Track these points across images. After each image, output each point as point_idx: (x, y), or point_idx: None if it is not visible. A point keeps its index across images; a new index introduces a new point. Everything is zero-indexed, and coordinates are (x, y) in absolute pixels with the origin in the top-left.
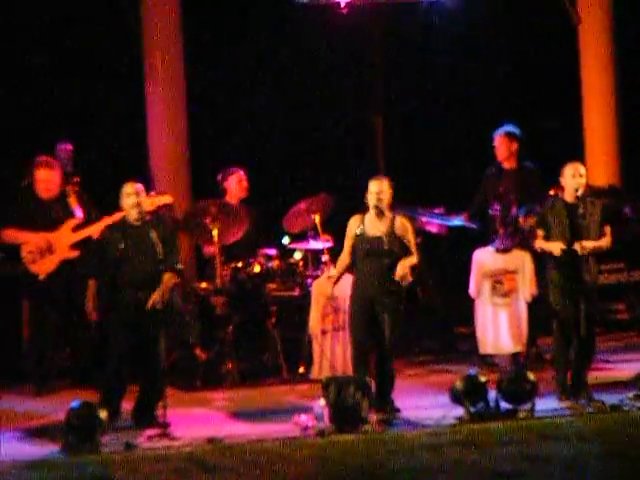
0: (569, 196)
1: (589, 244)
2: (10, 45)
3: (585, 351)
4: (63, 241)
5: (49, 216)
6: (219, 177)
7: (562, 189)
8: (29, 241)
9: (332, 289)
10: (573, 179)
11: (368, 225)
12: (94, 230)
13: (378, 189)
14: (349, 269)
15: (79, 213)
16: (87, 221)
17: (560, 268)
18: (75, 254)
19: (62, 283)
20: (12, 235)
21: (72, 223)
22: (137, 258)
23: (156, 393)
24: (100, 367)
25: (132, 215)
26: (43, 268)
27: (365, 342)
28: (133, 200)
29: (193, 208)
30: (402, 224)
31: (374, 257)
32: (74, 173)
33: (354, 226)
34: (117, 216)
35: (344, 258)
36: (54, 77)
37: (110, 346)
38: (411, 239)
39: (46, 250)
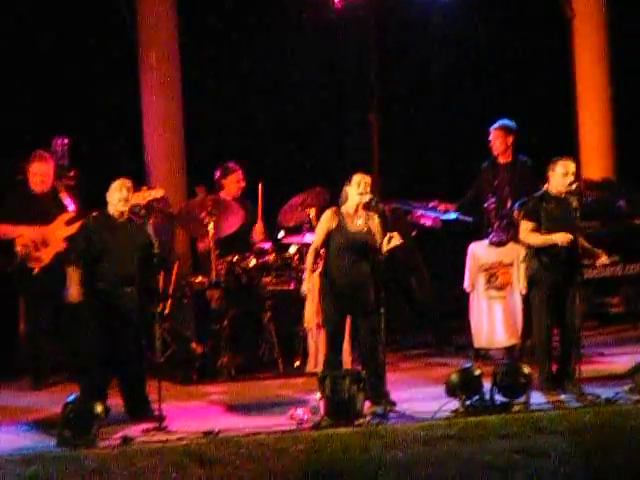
0: (556, 190)
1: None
2: (4, 39)
3: (572, 343)
4: (57, 234)
5: (43, 210)
6: (217, 173)
7: (548, 181)
8: (23, 235)
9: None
10: (564, 177)
11: (348, 219)
12: None
13: (367, 181)
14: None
15: (72, 206)
16: (80, 214)
17: (552, 261)
18: None
19: (57, 276)
20: (5, 230)
21: (66, 216)
22: (118, 254)
23: (143, 383)
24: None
25: (118, 209)
26: (37, 262)
27: (341, 333)
28: (123, 194)
29: (189, 203)
30: (372, 218)
31: (356, 251)
32: (70, 167)
33: (331, 219)
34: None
35: (319, 250)
36: (49, 72)
37: (86, 341)
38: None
39: (40, 243)
